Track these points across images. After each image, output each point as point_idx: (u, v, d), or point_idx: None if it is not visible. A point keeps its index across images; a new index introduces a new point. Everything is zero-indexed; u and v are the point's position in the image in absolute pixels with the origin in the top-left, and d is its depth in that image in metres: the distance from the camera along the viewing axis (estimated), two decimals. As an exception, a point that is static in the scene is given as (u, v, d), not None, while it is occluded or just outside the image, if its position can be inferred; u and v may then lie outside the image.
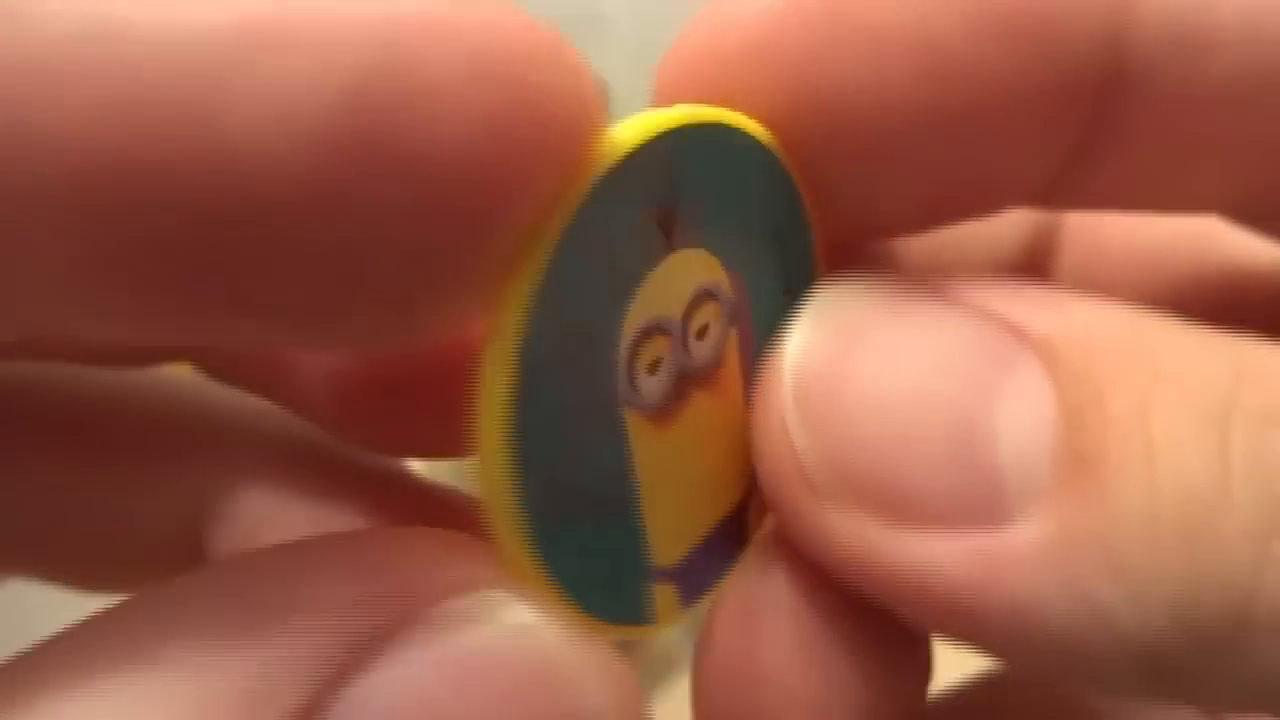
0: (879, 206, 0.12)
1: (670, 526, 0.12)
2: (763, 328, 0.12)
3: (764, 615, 0.12)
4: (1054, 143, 0.12)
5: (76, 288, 0.08)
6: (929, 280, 0.11)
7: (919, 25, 0.11)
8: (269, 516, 0.15)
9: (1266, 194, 0.13)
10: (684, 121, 0.11)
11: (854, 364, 0.11)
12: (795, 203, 0.12)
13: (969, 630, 0.10)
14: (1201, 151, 0.13)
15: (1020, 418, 0.10)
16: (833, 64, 0.11)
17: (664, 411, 0.11)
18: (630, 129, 0.10)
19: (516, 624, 0.09)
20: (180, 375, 0.16)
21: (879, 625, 0.12)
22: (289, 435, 0.16)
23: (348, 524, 0.14)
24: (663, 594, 0.11)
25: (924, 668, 0.13)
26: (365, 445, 0.14)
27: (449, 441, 0.12)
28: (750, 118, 0.12)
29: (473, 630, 0.09)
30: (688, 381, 0.11)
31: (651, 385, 0.11)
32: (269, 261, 0.08)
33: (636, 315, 0.11)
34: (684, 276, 0.11)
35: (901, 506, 0.10)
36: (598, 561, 0.11)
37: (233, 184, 0.07)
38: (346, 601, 0.08)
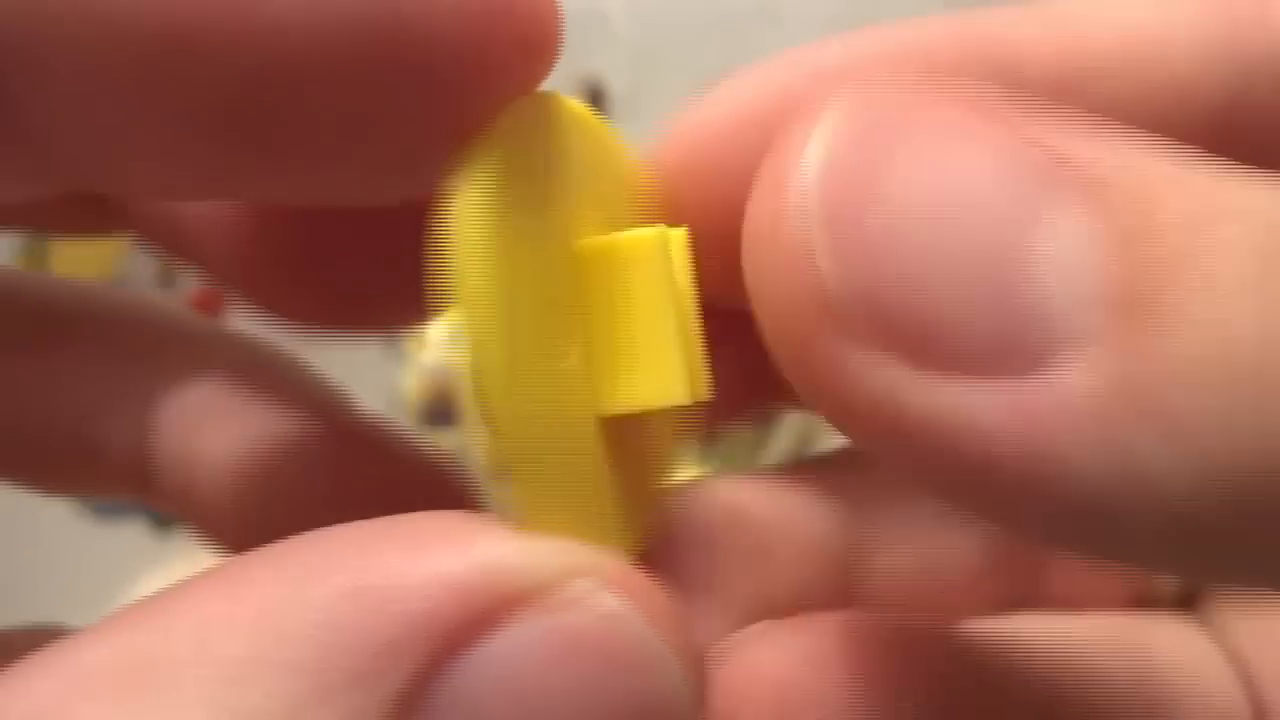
0: None
1: None
2: None
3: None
4: None
5: (153, 133, 0.10)
6: (967, 89, 0.10)
7: None
8: (206, 429, 0.15)
9: None
10: None
11: (892, 172, 0.09)
12: None
13: (996, 493, 0.09)
14: None
15: (1067, 249, 0.09)
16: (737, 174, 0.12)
17: None
18: None
19: (609, 611, 0.10)
20: (132, 290, 0.17)
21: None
22: (234, 352, 0.16)
23: (284, 443, 0.15)
24: None
25: None
26: (279, 315, 0.15)
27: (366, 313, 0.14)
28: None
29: (570, 614, 0.09)
30: None
31: None
32: (296, 114, 0.10)
33: None
34: None
35: (935, 347, 0.09)
36: None
37: (270, 50, 0.09)
38: (459, 581, 0.09)
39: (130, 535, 0.52)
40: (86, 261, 0.48)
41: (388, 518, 0.10)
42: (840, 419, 0.10)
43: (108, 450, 0.16)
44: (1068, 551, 0.10)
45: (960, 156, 0.09)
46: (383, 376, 0.54)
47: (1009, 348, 0.09)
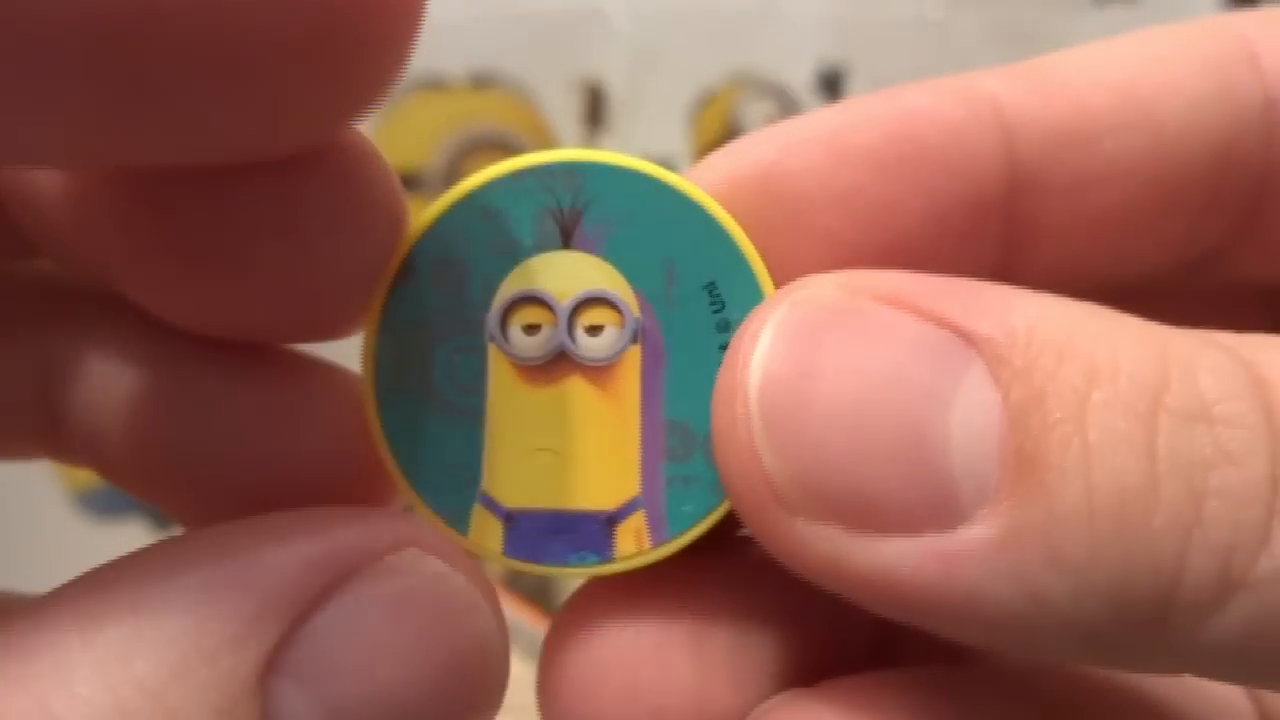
0: None
1: (515, 470, 0.14)
2: (687, 363, 0.14)
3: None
4: (973, 255, 0.14)
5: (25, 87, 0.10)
6: (877, 280, 0.12)
7: (831, 182, 0.13)
8: (119, 377, 0.15)
9: (1191, 249, 0.15)
10: (599, 160, 0.14)
11: (817, 382, 0.12)
12: (738, 264, 0.14)
13: (929, 619, 0.11)
14: (1115, 225, 0.14)
15: (970, 426, 0.11)
16: (769, 228, 0.14)
17: (536, 371, 0.14)
18: (543, 154, 0.14)
19: (434, 572, 0.12)
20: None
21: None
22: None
23: (200, 382, 0.15)
24: (485, 520, 0.14)
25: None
26: (167, 317, 0.14)
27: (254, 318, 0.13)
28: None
29: (401, 577, 0.11)
30: (570, 364, 0.14)
31: (525, 342, 0.14)
32: (172, 67, 0.10)
33: (517, 278, 0.14)
34: (574, 272, 0.14)
35: (867, 516, 0.11)
36: (439, 451, 0.14)
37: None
38: (306, 560, 0.11)
39: (130, 535, 0.52)
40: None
41: (254, 518, 0.11)
42: (800, 573, 0.12)
43: (15, 410, 0.16)
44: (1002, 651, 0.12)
45: (876, 356, 0.12)
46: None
47: (929, 510, 0.11)
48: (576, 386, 0.14)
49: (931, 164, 0.14)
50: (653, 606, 0.14)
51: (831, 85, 0.51)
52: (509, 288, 0.14)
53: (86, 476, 0.50)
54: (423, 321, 0.14)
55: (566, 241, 0.14)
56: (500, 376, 0.14)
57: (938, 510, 0.11)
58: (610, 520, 0.14)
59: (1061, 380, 0.11)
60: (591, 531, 0.14)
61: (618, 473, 0.14)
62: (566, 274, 0.14)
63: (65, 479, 0.49)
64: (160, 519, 0.53)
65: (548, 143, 0.54)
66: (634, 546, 0.14)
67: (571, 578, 0.14)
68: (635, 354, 0.14)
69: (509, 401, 0.14)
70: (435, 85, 0.54)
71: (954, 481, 0.11)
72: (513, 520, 0.14)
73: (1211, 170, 0.14)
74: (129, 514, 0.52)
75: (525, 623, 0.46)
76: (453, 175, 0.51)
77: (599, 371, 0.14)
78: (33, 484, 0.47)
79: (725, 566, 0.15)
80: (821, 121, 0.14)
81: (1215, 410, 0.11)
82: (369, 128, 0.56)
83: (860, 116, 0.14)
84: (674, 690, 0.13)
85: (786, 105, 0.52)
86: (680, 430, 0.14)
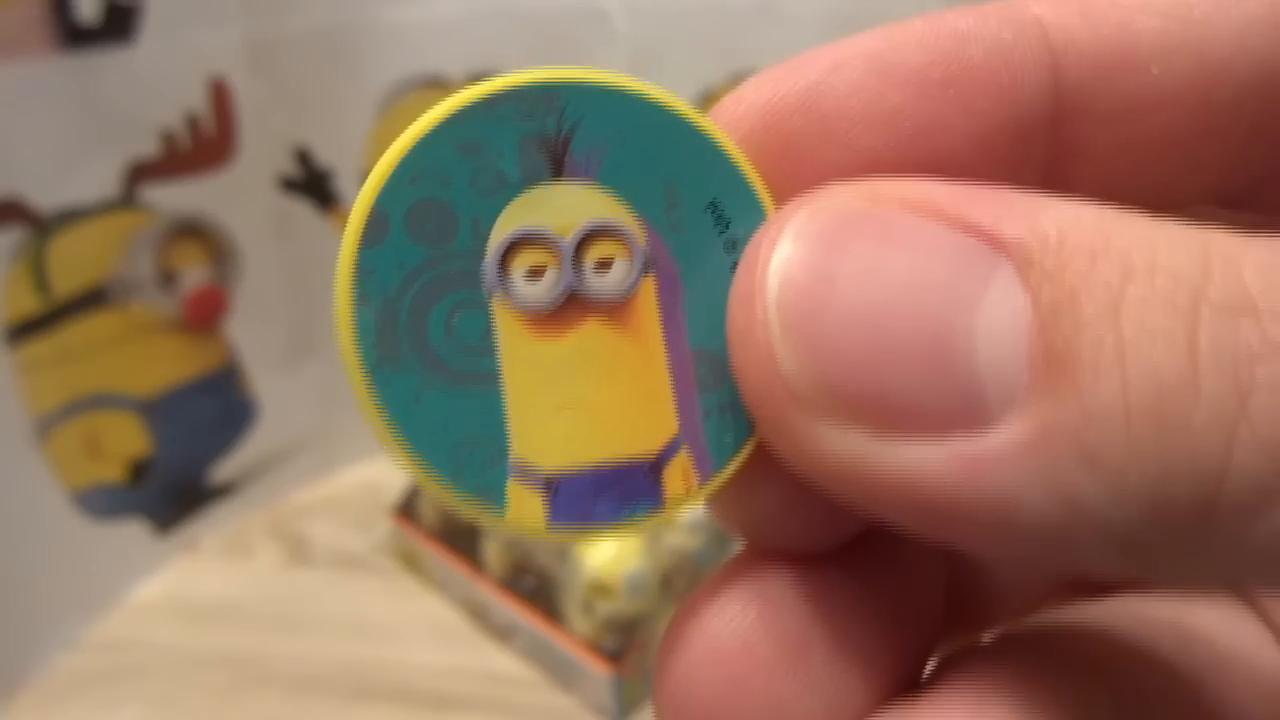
0: None
1: (545, 431, 0.13)
2: (703, 288, 0.13)
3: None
4: (1016, 181, 0.13)
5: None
6: (905, 188, 0.12)
7: (875, 101, 0.13)
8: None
9: (1230, 179, 0.15)
10: (578, 78, 0.13)
11: (836, 285, 0.11)
12: (736, 180, 0.13)
13: (955, 528, 0.11)
14: (1158, 153, 0.14)
15: (996, 328, 0.11)
16: (809, 147, 0.13)
17: (547, 320, 0.13)
18: (519, 74, 0.12)
19: None
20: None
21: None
22: None
23: None
24: (522, 494, 0.12)
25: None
26: None
27: None
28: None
29: None
30: (583, 306, 0.13)
31: (530, 289, 0.12)
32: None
33: (510, 218, 0.12)
34: (571, 204, 0.13)
35: (889, 418, 0.11)
36: (453, 426, 0.12)
37: None
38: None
39: (130, 535, 0.52)
40: (84, 262, 0.47)
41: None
42: (820, 481, 0.12)
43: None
44: (1028, 564, 0.11)
45: (897, 259, 0.11)
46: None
47: (955, 412, 0.11)
48: (594, 330, 0.13)
49: (978, 86, 0.13)
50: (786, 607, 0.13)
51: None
52: (502, 229, 0.12)
53: (85, 476, 0.50)
54: (407, 281, 0.12)
55: (557, 171, 0.13)
56: (509, 331, 0.12)
57: (964, 412, 0.11)
58: (655, 465, 0.13)
59: (1095, 279, 0.10)
60: (638, 481, 0.13)
61: (653, 414, 0.13)
62: (563, 207, 0.13)
63: (64, 478, 0.49)
64: (160, 520, 0.53)
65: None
66: (683, 488, 0.13)
67: (624, 536, 0.14)
68: (650, 286, 0.13)
69: (524, 358, 0.12)
70: (435, 85, 0.54)
71: (980, 383, 0.11)
72: (553, 487, 0.13)
73: (1257, 97, 0.14)
74: (128, 514, 0.52)
75: (526, 623, 0.46)
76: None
77: (615, 310, 0.13)
78: (32, 484, 0.47)
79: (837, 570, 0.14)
80: (864, 42, 0.13)
81: (1262, 303, 0.10)
82: (368, 127, 0.55)
83: (904, 38, 0.13)
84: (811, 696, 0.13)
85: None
86: (708, 358, 0.13)
